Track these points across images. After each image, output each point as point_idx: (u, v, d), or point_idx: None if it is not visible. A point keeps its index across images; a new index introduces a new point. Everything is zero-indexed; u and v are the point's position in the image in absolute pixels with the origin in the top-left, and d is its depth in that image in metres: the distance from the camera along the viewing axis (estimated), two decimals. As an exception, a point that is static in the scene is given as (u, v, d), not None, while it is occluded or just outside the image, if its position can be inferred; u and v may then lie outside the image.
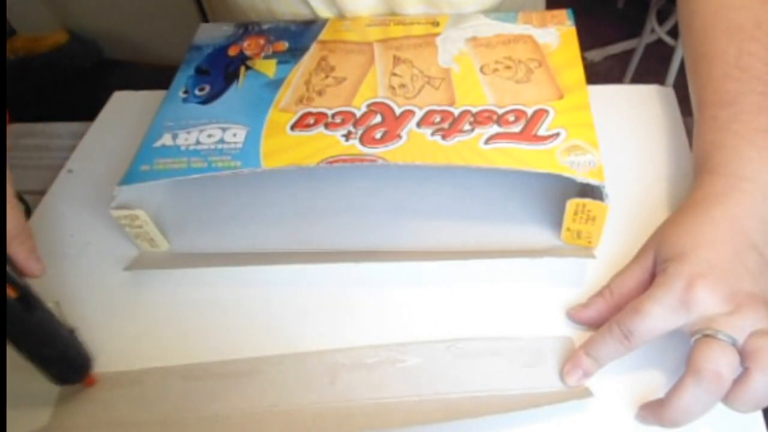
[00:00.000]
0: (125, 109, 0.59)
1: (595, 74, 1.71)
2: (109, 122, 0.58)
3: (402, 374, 0.38)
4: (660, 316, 0.34)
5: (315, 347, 0.40)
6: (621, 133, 0.50)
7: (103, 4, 1.54)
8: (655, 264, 0.38)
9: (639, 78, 1.67)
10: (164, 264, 0.45)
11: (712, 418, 0.33)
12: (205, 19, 0.75)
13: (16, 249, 0.36)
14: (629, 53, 1.70)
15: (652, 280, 0.37)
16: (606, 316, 0.38)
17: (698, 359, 0.32)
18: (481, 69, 0.47)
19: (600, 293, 0.39)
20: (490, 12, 0.53)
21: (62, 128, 0.59)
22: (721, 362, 0.32)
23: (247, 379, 0.39)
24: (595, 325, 0.38)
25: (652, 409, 0.34)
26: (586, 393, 0.36)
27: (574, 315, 0.40)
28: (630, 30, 1.81)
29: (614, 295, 0.39)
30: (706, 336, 0.33)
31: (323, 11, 0.55)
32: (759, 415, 0.35)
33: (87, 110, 0.60)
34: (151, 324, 0.42)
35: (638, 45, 1.60)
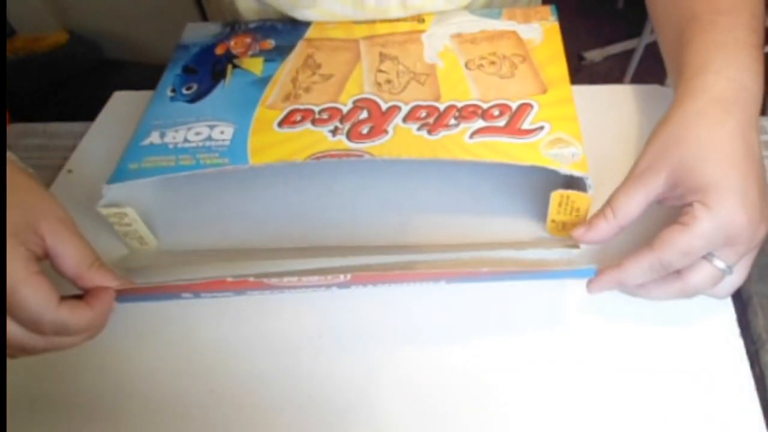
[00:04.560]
0: (125, 109, 0.59)
1: (595, 74, 1.70)
2: (109, 122, 0.58)
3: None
4: (707, 250, 0.35)
5: (307, 339, 0.40)
6: (621, 133, 0.50)
7: (103, 4, 1.55)
8: (668, 187, 0.37)
9: (639, 78, 1.67)
10: (153, 262, 0.46)
11: (708, 413, 0.35)
12: (205, 19, 0.75)
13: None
14: (629, 53, 1.70)
15: (657, 199, 0.37)
16: (610, 237, 0.38)
17: (694, 281, 0.36)
18: (466, 65, 0.47)
19: (602, 213, 0.38)
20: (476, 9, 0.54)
21: (62, 128, 0.59)
22: (706, 286, 0.36)
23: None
24: (599, 244, 0.39)
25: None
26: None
27: (578, 237, 0.39)
28: (630, 30, 1.81)
29: (617, 217, 0.37)
30: (714, 266, 0.36)
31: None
32: (759, 416, 0.35)
33: (87, 110, 0.60)
34: (143, 320, 0.43)
35: (638, 45, 1.60)
